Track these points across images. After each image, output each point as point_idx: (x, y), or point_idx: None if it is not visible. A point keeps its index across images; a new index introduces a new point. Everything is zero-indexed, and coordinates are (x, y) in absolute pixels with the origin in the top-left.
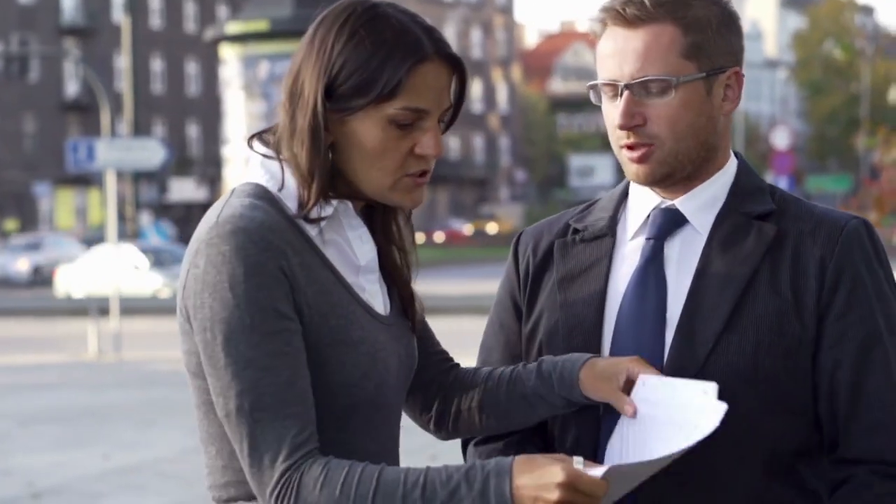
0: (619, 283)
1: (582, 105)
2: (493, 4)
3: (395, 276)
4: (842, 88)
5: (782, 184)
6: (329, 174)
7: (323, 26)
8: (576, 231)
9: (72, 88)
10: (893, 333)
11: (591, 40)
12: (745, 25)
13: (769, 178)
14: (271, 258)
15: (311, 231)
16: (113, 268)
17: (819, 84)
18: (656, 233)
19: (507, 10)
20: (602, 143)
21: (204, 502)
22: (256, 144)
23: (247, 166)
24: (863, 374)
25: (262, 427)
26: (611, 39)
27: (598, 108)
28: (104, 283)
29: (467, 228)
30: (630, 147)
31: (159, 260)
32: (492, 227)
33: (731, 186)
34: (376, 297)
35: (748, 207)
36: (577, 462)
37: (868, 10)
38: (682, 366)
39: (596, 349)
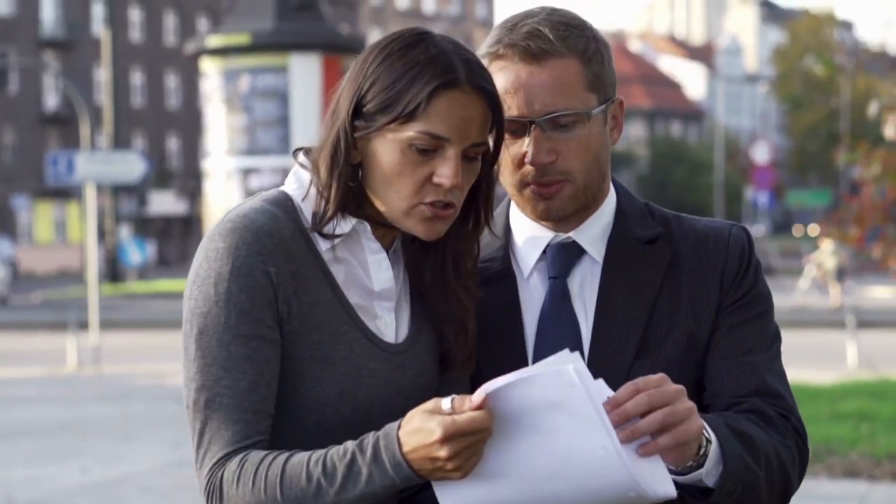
0: (533, 323)
1: None
2: (473, 18)
3: (439, 312)
4: (822, 103)
5: (763, 199)
6: (349, 191)
7: (368, 49)
8: None
9: (51, 101)
10: (775, 333)
11: None
12: (725, 40)
13: (749, 192)
14: (261, 262)
15: (323, 245)
16: None
17: (799, 99)
18: (559, 270)
19: (488, 25)
20: None
21: None
22: (300, 156)
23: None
24: (756, 364)
25: (210, 426)
26: (510, 75)
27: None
28: None
29: None
30: (539, 184)
31: None
32: None
33: (616, 211)
34: (388, 324)
35: (636, 232)
36: (446, 403)
37: (847, 25)
38: None
39: None
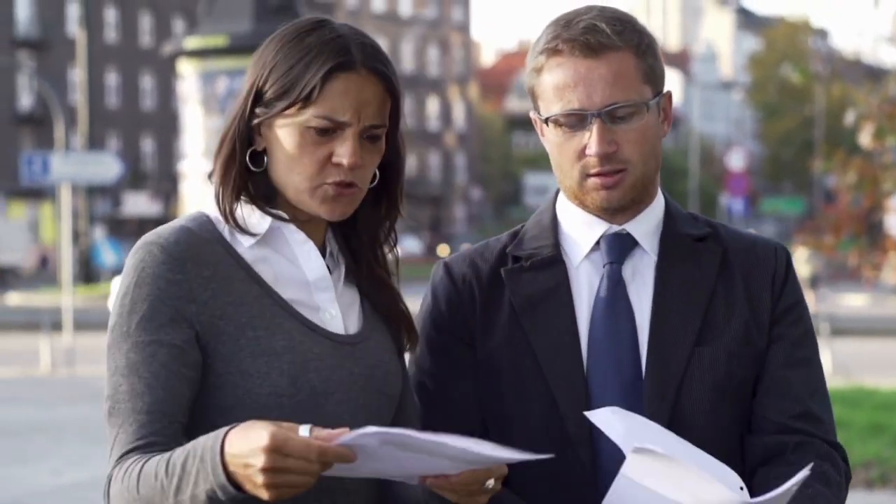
0: (584, 307)
1: None
2: (450, 22)
3: (374, 295)
4: (796, 111)
5: (737, 205)
6: (244, 172)
7: (269, 39)
8: (517, 259)
9: (25, 101)
10: (816, 341)
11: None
12: (701, 47)
13: (724, 199)
14: (166, 271)
15: (245, 243)
16: None
17: (774, 106)
18: (615, 257)
19: (465, 28)
20: None
21: None
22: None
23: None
24: (803, 372)
25: (112, 432)
26: (569, 69)
27: None
28: None
29: None
30: (599, 175)
31: None
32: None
33: (665, 210)
34: (335, 316)
35: (686, 230)
36: (304, 430)
37: (823, 34)
38: (660, 384)
39: (577, 372)
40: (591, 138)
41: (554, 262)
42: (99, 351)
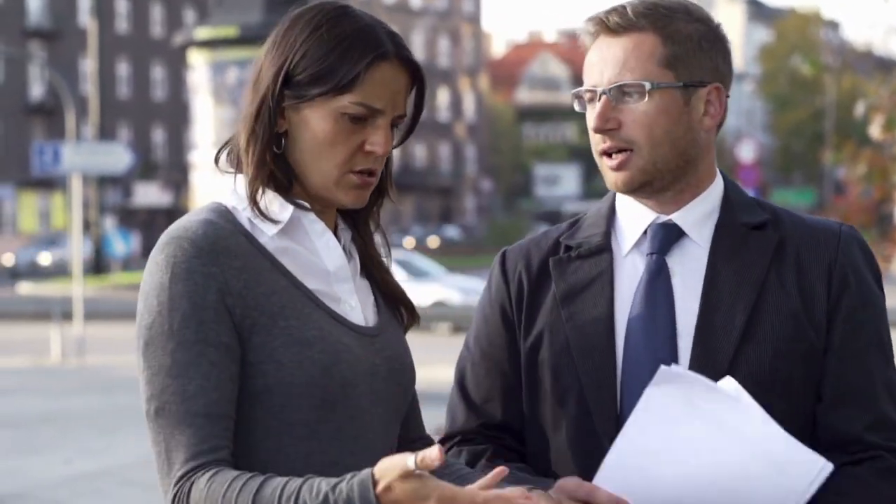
0: (625, 298)
1: (548, 115)
2: (460, 13)
3: (375, 281)
4: (807, 102)
5: None
6: (273, 157)
7: (289, 21)
8: (568, 248)
9: (37, 91)
10: (886, 332)
11: (558, 50)
12: None
13: None
14: (200, 265)
15: (267, 232)
16: None
17: (785, 98)
18: (658, 247)
19: (475, 19)
20: (568, 153)
21: None
22: (223, 161)
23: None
24: (869, 373)
25: (165, 434)
26: (596, 49)
27: (563, 118)
28: None
29: None
30: (608, 154)
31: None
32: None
33: (723, 200)
34: (354, 307)
35: (744, 218)
36: (410, 461)
37: (834, 25)
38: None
39: (610, 364)
40: (595, 114)
41: (601, 251)
42: (109, 341)
